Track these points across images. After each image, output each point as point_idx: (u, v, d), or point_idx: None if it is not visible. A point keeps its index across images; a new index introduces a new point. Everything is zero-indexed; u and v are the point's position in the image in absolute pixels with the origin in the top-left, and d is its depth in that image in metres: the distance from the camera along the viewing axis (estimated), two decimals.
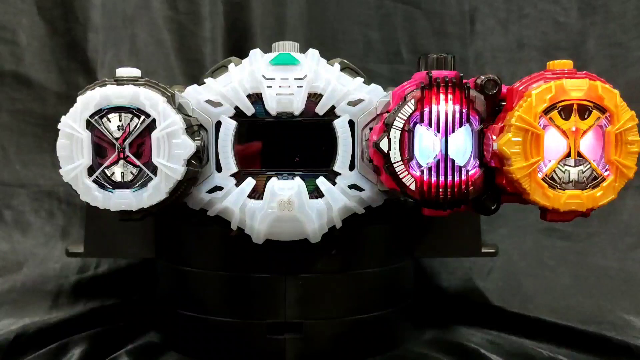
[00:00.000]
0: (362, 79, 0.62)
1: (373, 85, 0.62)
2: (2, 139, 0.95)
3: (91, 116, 0.55)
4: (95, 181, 0.56)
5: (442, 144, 0.56)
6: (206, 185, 0.61)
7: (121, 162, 0.56)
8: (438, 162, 0.56)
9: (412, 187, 0.56)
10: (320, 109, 0.60)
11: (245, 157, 0.61)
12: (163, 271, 0.72)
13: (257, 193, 0.60)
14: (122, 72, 0.58)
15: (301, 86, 0.60)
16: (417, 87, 0.56)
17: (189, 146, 0.56)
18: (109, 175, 0.56)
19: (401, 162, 0.56)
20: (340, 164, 0.61)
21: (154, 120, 0.55)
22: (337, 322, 0.67)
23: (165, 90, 0.58)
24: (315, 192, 0.61)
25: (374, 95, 0.61)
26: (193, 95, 0.61)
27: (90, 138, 0.55)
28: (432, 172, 0.56)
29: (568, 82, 0.53)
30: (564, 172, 0.54)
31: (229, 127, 0.60)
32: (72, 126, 0.55)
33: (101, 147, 0.56)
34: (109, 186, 0.56)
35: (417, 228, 0.72)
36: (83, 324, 0.76)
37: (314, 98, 0.60)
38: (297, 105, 0.60)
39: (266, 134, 0.62)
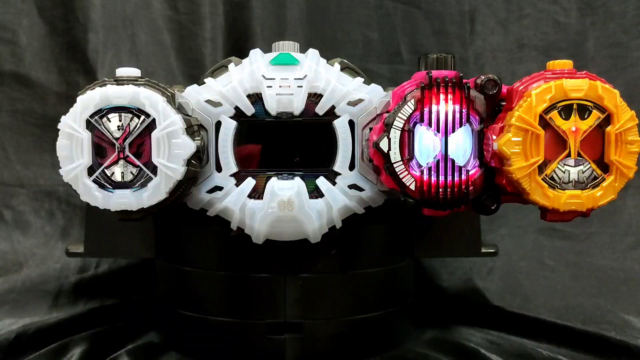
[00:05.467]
0: (362, 79, 0.62)
1: (373, 85, 0.62)
2: (2, 139, 0.95)
3: (91, 116, 0.55)
4: (95, 181, 0.56)
5: (442, 144, 0.56)
6: (206, 185, 0.61)
7: (121, 162, 0.56)
8: (438, 162, 0.56)
9: (412, 187, 0.56)
10: (320, 109, 0.60)
11: (244, 156, 0.62)
12: (163, 271, 0.72)
13: (257, 193, 0.60)
14: (122, 72, 0.58)
15: (301, 86, 0.60)
16: (417, 87, 0.56)
17: (189, 146, 0.56)
18: (109, 175, 0.56)
19: (401, 162, 0.56)
20: (340, 164, 0.61)
21: (154, 120, 0.55)
22: (337, 322, 0.67)
23: (165, 90, 0.58)
24: (315, 192, 0.61)
25: (374, 95, 0.61)
26: (193, 95, 0.61)
27: (90, 138, 0.55)
28: (432, 172, 0.56)
29: (568, 82, 0.53)
30: (564, 172, 0.54)
31: (229, 127, 0.60)
32: (72, 126, 0.55)
33: (101, 147, 0.56)
34: (109, 186, 0.56)
35: (417, 228, 0.72)
36: (83, 324, 0.76)
37: (314, 98, 0.60)
38: (297, 105, 0.60)
39: (266, 134, 0.62)
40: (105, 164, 0.56)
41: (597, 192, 0.54)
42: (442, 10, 0.98)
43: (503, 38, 0.98)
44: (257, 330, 0.65)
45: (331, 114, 0.61)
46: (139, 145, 0.56)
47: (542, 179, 0.54)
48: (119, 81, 0.57)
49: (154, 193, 0.56)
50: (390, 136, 0.56)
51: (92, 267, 0.88)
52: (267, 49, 0.63)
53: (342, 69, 0.63)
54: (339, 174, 0.61)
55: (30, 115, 0.95)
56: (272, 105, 0.60)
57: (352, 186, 0.61)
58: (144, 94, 0.55)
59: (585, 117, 0.54)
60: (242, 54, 0.67)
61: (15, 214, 0.94)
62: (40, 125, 0.95)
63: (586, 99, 0.53)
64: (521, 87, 0.55)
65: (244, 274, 0.66)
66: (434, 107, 0.56)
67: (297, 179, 0.60)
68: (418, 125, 0.56)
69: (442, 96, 0.55)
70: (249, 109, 0.60)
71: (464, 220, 0.73)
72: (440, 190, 0.56)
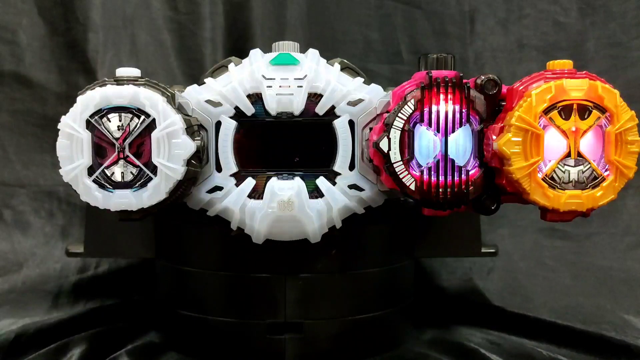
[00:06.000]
0: (362, 79, 0.62)
1: (373, 85, 0.62)
2: (2, 139, 0.95)
3: (91, 116, 0.55)
4: (95, 181, 0.56)
5: (442, 144, 0.56)
6: (206, 185, 0.61)
7: (121, 162, 0.56)
8: (438, 162, 0.56)
9: (412, 187, 0.56)
10: (320, 109, 0.60)
11: (245, 156, 0.62)
12: (163, 271, 0.72)
13: (257, 193, 0.60)
14: (122, 72, 0.58)
15: (301, 86, 0.60)
16: (417, 87, 0.56)
17: (189, 146, 0.56)
18: (109, 175, 0.56)
19: (401, 162, 0.56)
20: (340, 164, 0.61)
21: (154, 120, 0.55)
22: (337, 322, 0.67)
23: (165, 90, 0.58)
24: (315, 192, 0.61)
25: (374, 95, 0.61)
26: (193, 95, 0.61)
27: (90, 138, 0.55)
28: (432, 172, 0.56)
29: (568, 82, 0.53)
30: (564, 172, 0.54)
31: (229, 127, 0.60)
32: (72, 126, 0.55)
33: (101, 147, 0.56)
34: (109, 186, 0.56)
35: (417, 228, 0.72)
36: (83, 324, 0.76)
37: (314, 98, 0.60)
38: (297, 105, 0.60)
39: (266, 134, 0.62)
40: (105, 164, 0.56)
41: (597, 192, 0.54)
42: (442, 10, 0.98)
43: (503, 38, 0.98)
44: (257, 330, 0.65)
45: (331, 114, 0.61)
46: (139, 145, 0.56)
47: (542, 179, 0.54)
48: (119, 81, 0.57)
49: (154, 193, 0.56)
50: (390, 136, 0.56)
51: (92, 267, 0.88)
52: (267, 49, 0.63)
53: (342, 69, 0.63)
54: (339, 174, 0.61)
55: (30, 115, 0.95)
56: (272, 105, 0.60)
57: (352, 186, 0.61)
58: (144, 94, 0.55)
59: (585, 117, 0.54)
60: (242, 54, 0.67)
61: (15, 214, 0.94)
62: (40, 125, 0.95)
63: (586, 99, 0.53)
64: (521, 87, 0.55)
65: (244, 274, 0.66)
66: (434, 107, 0.56)
67: (297, 179, 0.60)
68: (418, 125, 0.56)
69: (442, 96, 0.55)
70: (249, 109, 0.60)
71: (464, 220, 0.73)
72: (440, 190, 0.56)
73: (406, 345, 0.72)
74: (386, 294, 0.70)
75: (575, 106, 0.53)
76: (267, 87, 0.59)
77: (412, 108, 0.55)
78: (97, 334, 0.74)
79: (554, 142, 0.54)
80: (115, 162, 0.56)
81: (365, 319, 0.68)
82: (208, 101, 0.60)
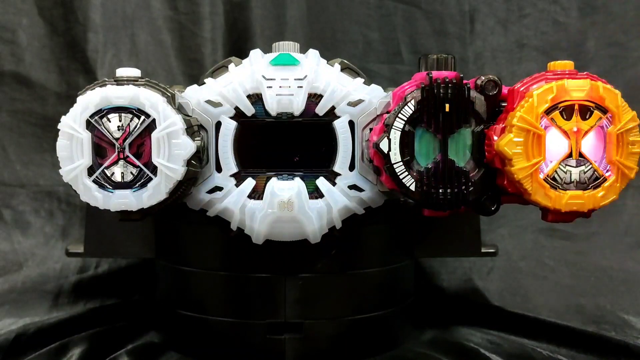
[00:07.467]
0: (362, 80, 0.62)
1: (373, 85, 0.62)
2: (2, 139, 0.95)
3: (91, 116, 0.55)
4: (95, 181, 0.56)
5: (442, 145, 0.56)
6: (206, 185, 0.61)
7: (121, 162, 0.56)
8: (438, 162, 0.56)
9: (412, 187, 0.56)
10: (321, 109, 0.60)
11: (245, 156, 0.61)
12: (163, 271, 0.72)
13: (257, 193, 0.60)
14: (122, 72, 0.57)
15: (301, 86, 0.60)
16: (417, 88, 0.56)
17: (189, 146, 0.56)
18: (109, 175, 0.56)
19: (401, 163, 0.56)
20: (340, 164, 0.61)
21: (154, 120, 0.55)
22: (337, 322, 0.67)
23: (166, 90, 0.58)
24: (315, 193, 0.61)
25: (374, 96, 0.61)
26: (193, 95, 0.61)
27: (90, 138, 0.55)
28: (432, 173, 0.56)
29: (569, 83, 0.53)
30: (566, 173, 0.54)
31: (229, 127, 0.60)
32: (72, 126, 0.55)
33: (101, 147, 0.56)
34: (109, 186, 0.56)
35: (417, 228, 0.72)
36: (83, 324, 0.76)
37: (314, 98, 0.60)
38: (297, 106, 0.60)
39: (266, 134, 0.61)
40: (105, 164, 0.56)
41: (598, 193, 0.54)
42: (442, 10, 0.98)
43: (503, 38, 0.98)
44: (257, 330, 0.65)
45: (331, 114, 0.61)
46: (139, 145, 0.56)
47: (543, 180, 0.54)
48: (119, 81, 0.57)
49: (154, 193, 0.56)
50: (390, 137, 0.56)
51: (92, 267, 0.88)
52: (267, 49, 0.63)
53: (342, 70, 0.63)
54: (339, 174, 0.61)
55: (30, 115, 0.95)
56: (272, 106, 0.60)
57: (352, 187, 0.61)
58: (144, 95, 0.55)
59: (587, 117, 0.54)
60: (242, 54, 0.67)
61: (15, 214, 0.94)
62: (40, 125, 0.95)
63: (588, 99, 0.53)
64: (522, 88, 0.55)
65: (244, 274, 0.66)
66: (434, 108, 0.55)
67: (297, 180, 0.60)
68: (418, 126, 0.56)
69: (442, 97, 0.55)
70: (249, 110, 0.60)
71: (464, 220, 0.72)
72: (440, 191, 0.56)
73: (406, 345, 0.72)
74: (386, 294, 0.70)
75: (576, 107, 0.53)
76: (267, 87, 0.59)
77: (413, 109, 0.55)
78: (97, 334, 0.74)
79: (555, 143, 0.54)
80: (115, 163, 0.56)
81: (365, 319, 0.68)
82: (208, 101, 0.60)
